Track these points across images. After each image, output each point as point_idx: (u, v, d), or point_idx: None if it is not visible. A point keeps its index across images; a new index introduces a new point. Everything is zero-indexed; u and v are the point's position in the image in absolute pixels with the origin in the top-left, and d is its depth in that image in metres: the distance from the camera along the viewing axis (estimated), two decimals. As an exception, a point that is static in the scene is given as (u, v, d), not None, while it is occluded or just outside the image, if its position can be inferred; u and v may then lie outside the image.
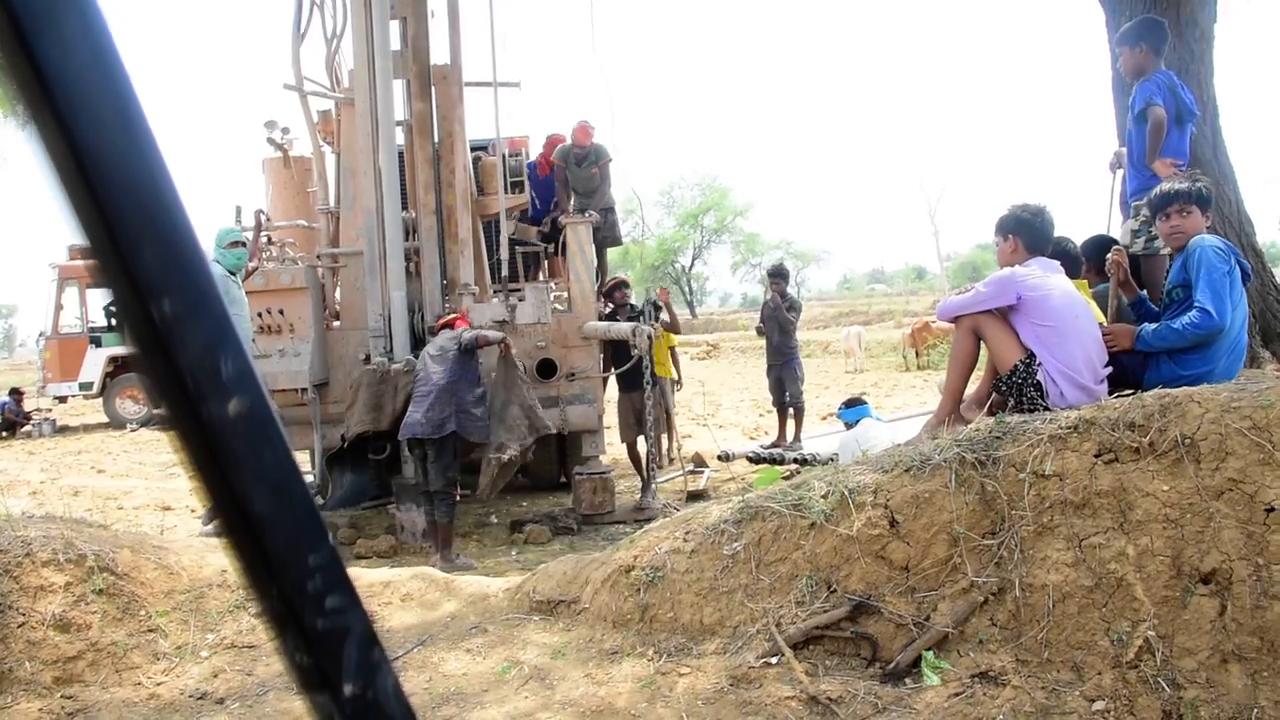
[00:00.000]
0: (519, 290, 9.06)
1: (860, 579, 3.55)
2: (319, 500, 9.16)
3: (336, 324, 8.87)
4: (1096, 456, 3.36)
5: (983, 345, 4.34)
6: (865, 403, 8.62)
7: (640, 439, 8.98)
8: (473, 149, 9.39)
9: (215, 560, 4.79)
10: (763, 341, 11.84)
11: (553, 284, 10.62)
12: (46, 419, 20.74)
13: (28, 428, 20.50)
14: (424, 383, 7.21)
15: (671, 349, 11.36)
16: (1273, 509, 3.02)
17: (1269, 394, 3.25)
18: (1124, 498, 3.25)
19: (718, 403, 19.65)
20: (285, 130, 9.52)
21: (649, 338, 8.42)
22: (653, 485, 9.00)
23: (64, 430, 20.70)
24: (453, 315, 7.48)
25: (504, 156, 9.38)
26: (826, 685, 3.30)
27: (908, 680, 3.27)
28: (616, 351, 9.01)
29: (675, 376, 11.52)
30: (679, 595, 3.92)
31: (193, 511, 10.01)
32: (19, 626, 4.14)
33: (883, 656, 3.41)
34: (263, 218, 8.59)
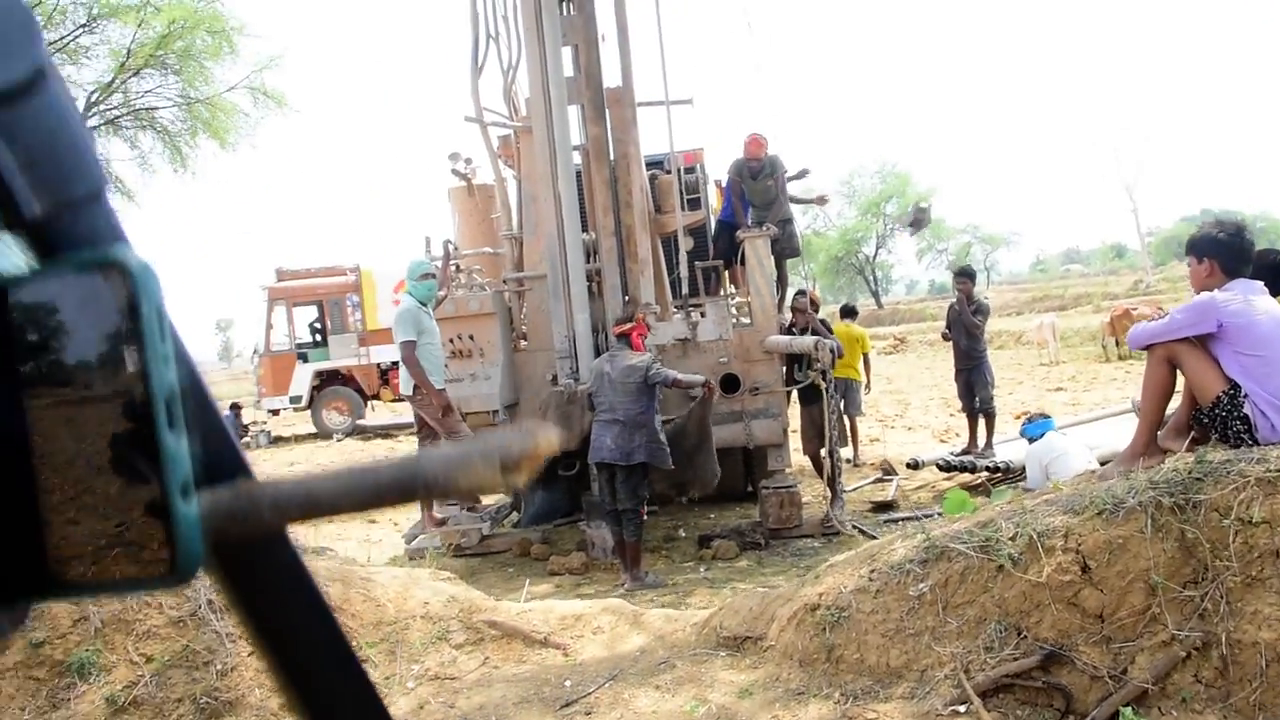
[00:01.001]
0: (700, 306, 9.15)
1: (1051, 626, 3.44)
2: (514, 517, 9.51)
3: (524, 345, 9.17)
4: (1311, 502, 3.16)
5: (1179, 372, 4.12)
6: (1049, 417, 8.31)
7: (823, 450, 8.90)
8: (648, 166, 9.52)
9: (418, 593, 5.06)
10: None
11: (734, 295, 10.65)
12: (263, 431, 22.26)
13: (246, 439, 22.05)
14: (608, 409, 7.34)
15: (865, 354, 11.23)
16: None
17: None
18: (1344, 547, 3.04)
19: (906, 402, 19.24)
20: (468, 160, 9.91)
21: (831, 351, 8.35)
22: (840, 498, 8.92)
23: (278, 441, 22.13)
24: (629, 325, 7.54)
25: (679, 172, 9.47)
26: (1017, 739, 3.22)
27: (1104, 737, 3.16)
28: (798, 364, 8.96)
29: (863, 379, 11.38)
30: (865, 636, 3.90)
31: (395, 525, 10.57)
32: (248, 655, 4.49)
33: (1076, 709, 3.30)
34: (450, 247, 8.97)
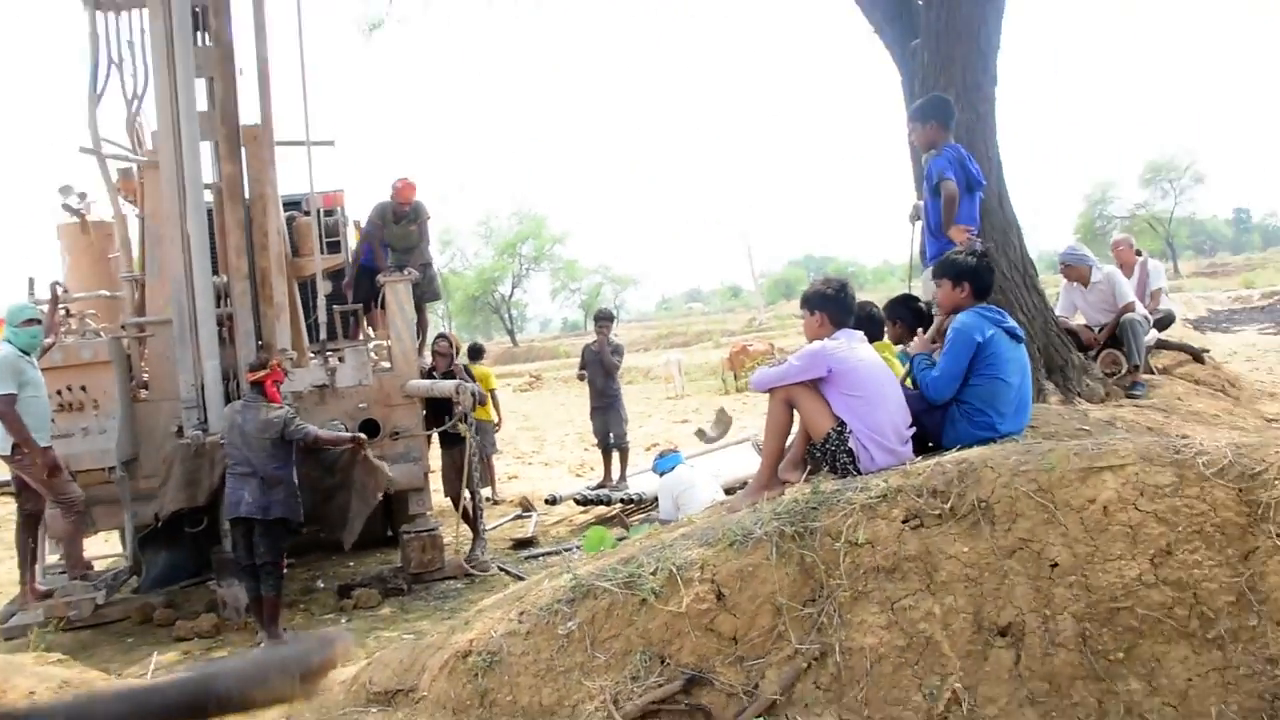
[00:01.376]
0: (339, 351, 8.93)
1: (691, 652, 3.70)
2: (134, 581, 8.76)
3: (145, 395, 8.51)
4: (904, 523, 3.63)
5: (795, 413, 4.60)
6: (677, 451, 8.91)
7: (466, 493, 8.98)
8: (285, 207, 9.20)
9: (21, 682, 4.55)
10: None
11: (374, 339, 10.49)
12: None
13: None
14: (241, 462, 7.02)
15: (491, 391, 11.41)
16: (1056, 564, 3.34)
17: (1051, 457, 3.58)
18: (929, 560, 3.52)
19: (542, 438, 19.72)
20: (82, 195, 9.10)
21: (473, 395, 8.45)
22: (481, 538, 9.00)
23: None
24: (263, 373, 7.23)
25: (319, 214, 9.23)
26: (666, 761, 3.43)
27: (741, 748, 3.44)
28: (437, 408, 8.99)
29: (495, 419, 11.56)
30: (517, 678, 3.97)
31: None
32: None
33: (717, 726, 3.56)
34: (59, 289, 8.16)
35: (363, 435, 7.85)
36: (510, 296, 59.79)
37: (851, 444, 4.35)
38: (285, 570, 7.46)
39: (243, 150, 8.39)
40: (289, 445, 7.12)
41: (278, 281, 8.41)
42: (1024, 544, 3.42)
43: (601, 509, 10.86)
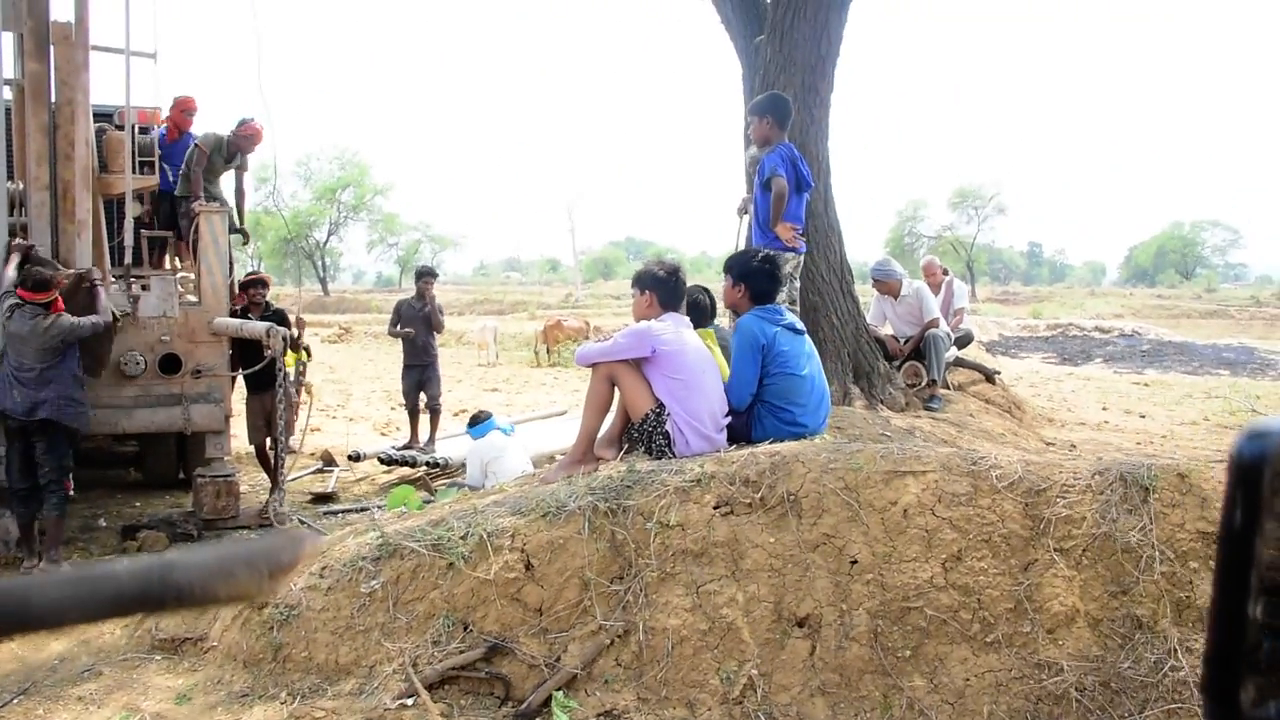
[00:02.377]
0: (144, 279, 8.41)
1: (496, 620, 3.69)
2: None
3: None
4: (715, 509, 3.72)
5: (616, 390, 4.63)
6: (490, 416, 8.85)
7: (269, 441, 8.64)
8: (97, 118, 8.57)
9: None
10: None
11: (181, 271, 9.93)
12: None
13: None
14: (22, 369, 6.58)
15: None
16: (856, 561, 3.49)
17: (859, 457, 3.74)
18: (737, 548, 3.62)
19: (349, 393, 19.17)
20: None
21: (284, 339, 8.14)
22: (281, 489, 8.69)
23: None
24: (52, 296, 6.77)
25: (133, 130, 8.65)
26: (460, 727, 3.41)
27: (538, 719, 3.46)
28: (246, 350, 8.60)
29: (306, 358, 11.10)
30: (314, 634, 3.87)
31: None
32: None
33: (515, 696, 3.57)
34: None
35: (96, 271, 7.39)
36: (325, 244, 57.80)
37: (669, 426, 4.42)
38: (71, 493, 7.04)
39: (51, 49, 7.75)
40: (69, 350, 6.78)
41: (82, 196, 7.82)
42: (827, 539, 3.56)
43: (406, 470, 10.66)
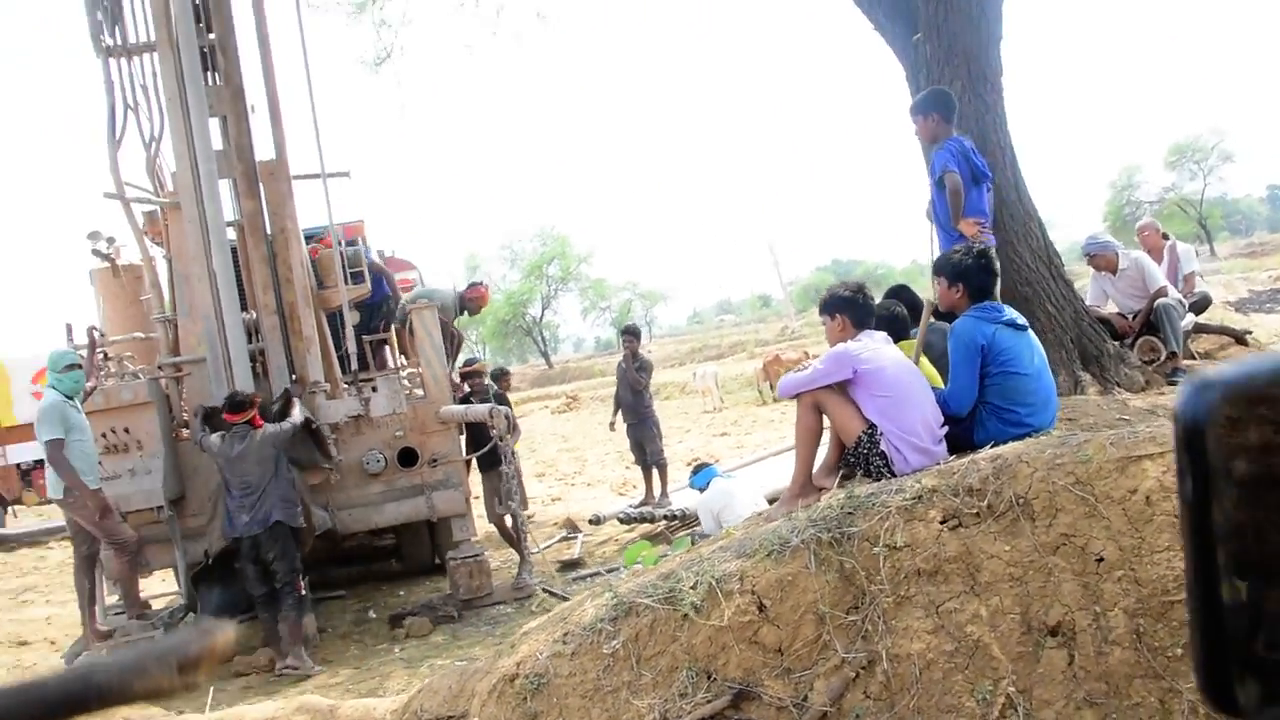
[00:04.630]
0: (371, 380, 8.98)
1: (737, 666, 3.66)
2: (191, 618, 8.84)
3: (186, 434, 8.61)
4: (942, 523, 3.57)
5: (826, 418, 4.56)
6: (710, 465, 8.87)
7: (508, 516, 8.98)
8: (307, 240, 9.29)
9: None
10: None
11: (405, 366, 10.55)
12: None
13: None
14: (235, 489, 7.31)
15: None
16: (1102, 559, 3.27)
17: (1087, 449, 3.52)
18: (971, 561, 3.46)
19: (584, 459, 19.71)
20: (110, 240, 9.25)
21: (506, 418, 8.47)
22: (528, 560, 9.00)
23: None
24: (252, 413, 7.51)
25: (340, 245, 9.32)
26: (717, 778, 3.39)
27: (792, 762, 3.39)
28: (475, 433, 9.02)
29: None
30: (565, 700, 3.95)
31: (52, 644, 9.48)
32: None
33: (767, 741, 3.52)
34: (96, 334, 8.30)
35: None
36: (541, 318, 59.95)
37: (884, 446, 4.30)
38: (304, 593, 7.61)
39: (260, 186, 8.48)
40: (279, 457, 7.36)
41: (305, 314, 8.48)
42: (1066, 539, 3.35)
43: (647, 526, 10.83)
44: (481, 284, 11.02)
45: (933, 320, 5.02)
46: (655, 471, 11.41)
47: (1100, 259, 8.31)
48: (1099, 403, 6.05)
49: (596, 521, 11.09)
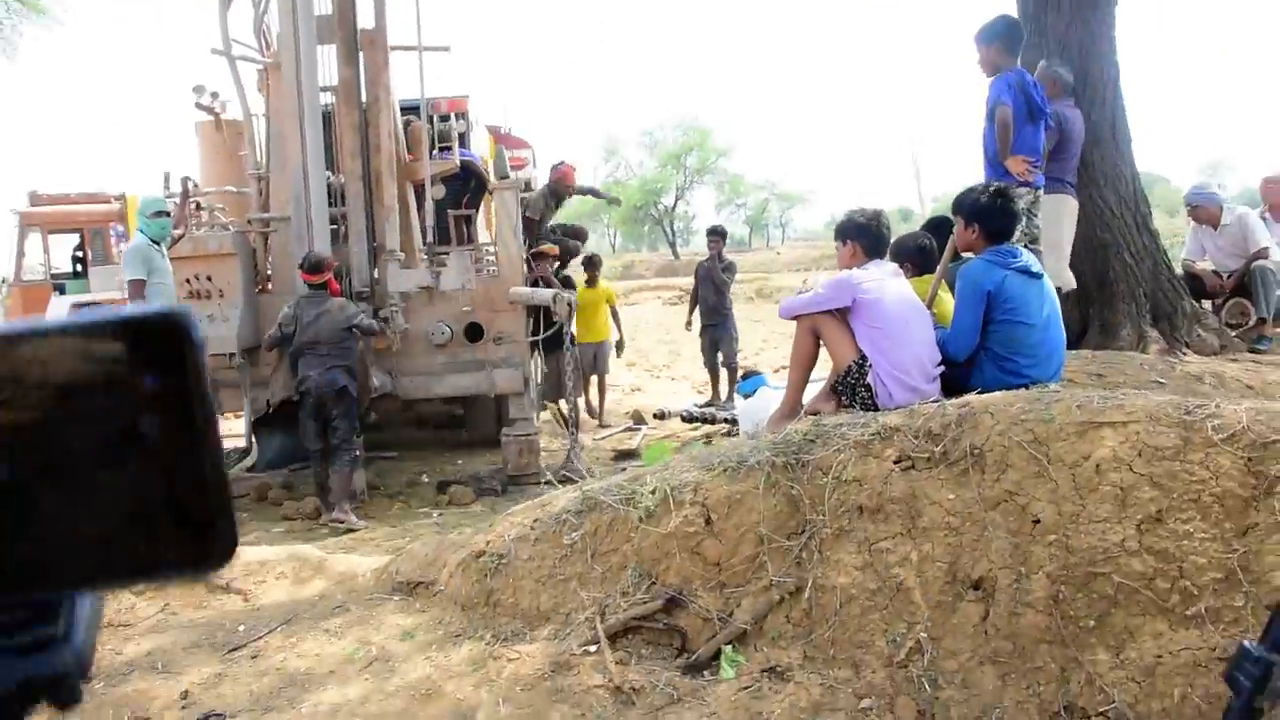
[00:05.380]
0: (444, 254, 9.16)
1: (676, 573, 3.73)
2: (249, 460, 9.34)
3: (269, 289, 8.97)
4: (896, 463, 3.53)
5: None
6: (759, 374, 8.80)
7: (562, 401, 9.15)
8: (404, 111, 9.41)
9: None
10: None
11: (490, 247, 10.71)
12: (9, 365, 20.81)
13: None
14: (308, 349, 7.57)
15: (612, 308, 11.48)
16: (1039, 521, 3.19)
17: (1054, 408, 3.40)
18: (914, 505, 3.42)
19: (678, 353, 19.75)
20: (215, 95, 9.53)
21: (569, 305, 8.56)
22: (575, 447, 9.18)
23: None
24: (326, 276, 7.76)
25: (433, 119, 9.41)
26: (633, 675, 3.49)
27: (707, 673, 3.47)
28: (541, 316, 9.15)
29: (617, 336, 11.65)
30: (520, 581, 4.10)
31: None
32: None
33: (690, 648, 3.60)
34: (190, 184, 8.64)
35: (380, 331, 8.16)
36: (674, 208, 59.62)
37: (871, 378, 4.23)
38: (358, 452, 7.95)
39: (360, 54, 8.59)
40: (352, 334, 7.63)
41: (389, 183, 8.64)
42: (1009, 496, 3.28)
43: (708, 427, 10.90)
44: (560, 163, 10.91)
45: (957, 260, 4.85)
46: (725, 374, 11.42)
47: (1202, 211, 7.83)
48: (1146, 361, 5.77)
49: (661, 416, 11.22)
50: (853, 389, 4.29)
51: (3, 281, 21.01)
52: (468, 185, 10.65)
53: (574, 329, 9.07)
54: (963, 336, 4.34)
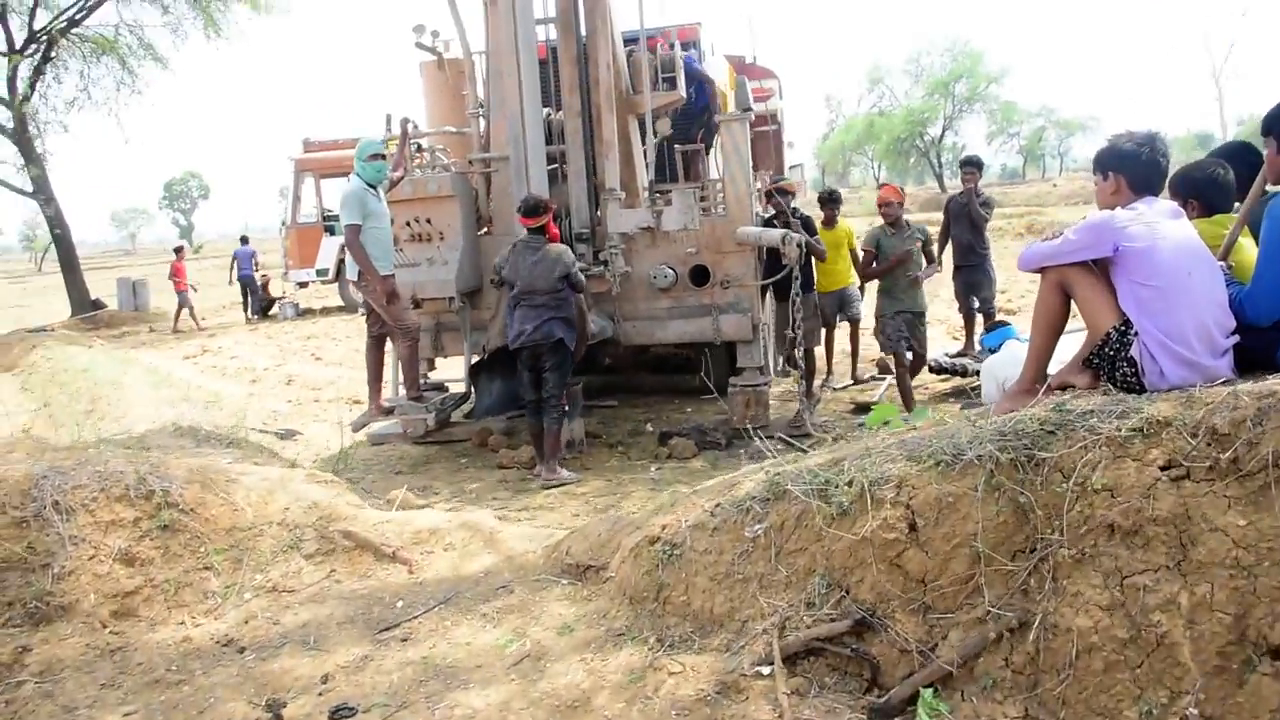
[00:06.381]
0: (667, 193, 8.60)
1: (871, 588, 3.04)
2: (467, 407, 9.23)
3: (490, 231, 8.73)
4: (1164, 470, 2.67)
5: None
6: (1008, 324, 7.71)
7: (795, 352, 8.44)
8: (627, 43, 8.86)
9: (280, 498, 4.78)
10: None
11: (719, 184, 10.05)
12: (290, 303, 22.27)
13: (273, 311, 22.17)
14: (525, 298, 7.23)
15: (853, 252, 10.50)
16: (1376, 566, 2.28)
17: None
18: (1186, 530, 2.56)
19: (935, 294, 18.44)
20: (435, 34, 9.32)
21: (800, 246, 7.83)
22: (805, 400, 8.49)
23: (305, 314, 22.10)
24: (544, 219, 7.32)
25: (655, 50, 8.82)
26: (809, 712, 2.86)
27: (899, 719, 2.78)
28: (772, 259, 8.42)
29: (856, 281, 10.71)
30: (694, 578, 3.53)
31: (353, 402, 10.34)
32: (89, 559, 4.26)
33: (882, 683, 2.92)
34: (409, 126, 8.46)
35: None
36: (940, 139, 56.50)
37: (1135, 350, 3.28)
38: (568, 407, 7.62)
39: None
40: (567, 284, 7.22)
41: (608, 118, 8.15)
42: (1332, 529, 2.37)
43: (958, 380, 9.90)
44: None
45: (1265, 197, 3.73)
46: (982, 320, 10.32)
47: None
48: None
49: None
50: (1111, 363, 3.37)
51: (282, 224, 22.41)
52: (699, 118, 10.02)
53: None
54: (1268, 295, 3.29)
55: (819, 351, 9.84)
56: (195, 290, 22.13)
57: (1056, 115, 62.27)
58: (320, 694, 3.43)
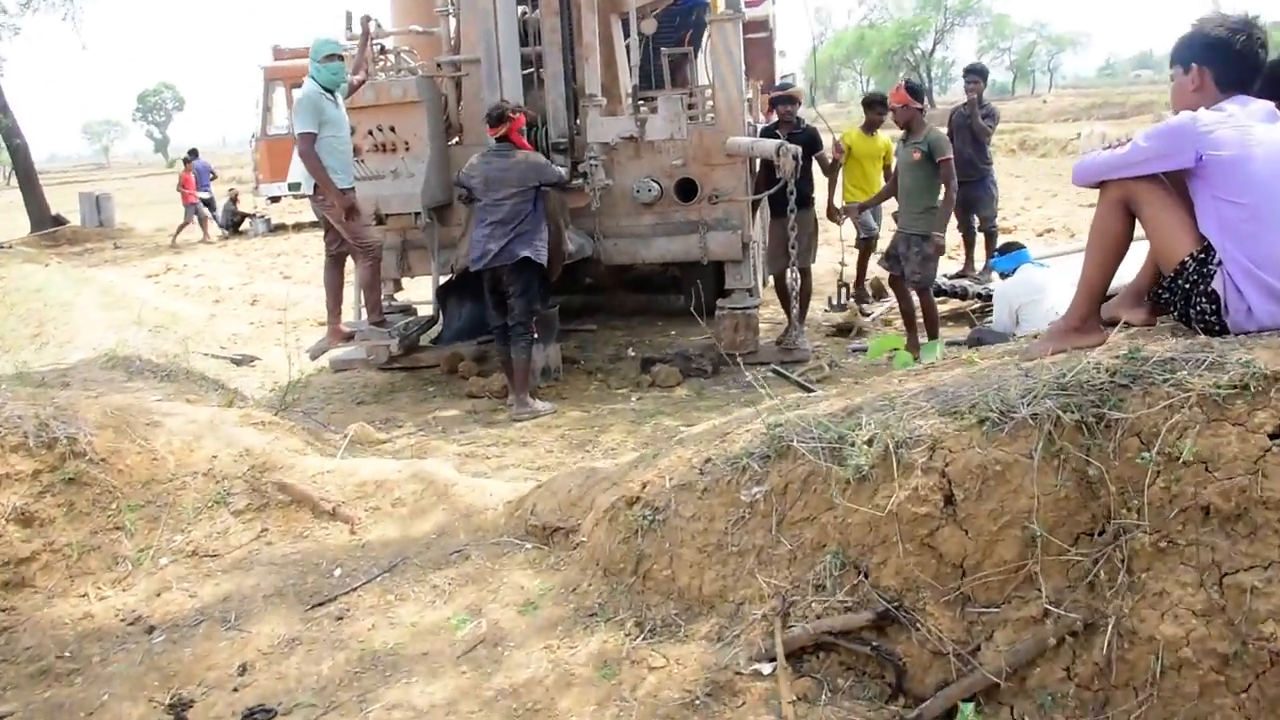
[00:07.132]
0: (651, 100, 7.92)
1: (896, 572, 2.50)
2: (435, 330, 8.62)
3: (459, 140, 8.04)
4: (1272, 439, 2.12)
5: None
6: (1022, 247, 7.15)
7: (788, 271, 7.85)
8: None
9: (208, 444, 4.20)
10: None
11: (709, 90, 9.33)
12: (262, 218, 21.48)
13: (244, 227, 21.38)
14: (488, 213, 6.63)
15: (888, 169, 9.75)
16: None
17: None
18: (1306, 513, 2.02)
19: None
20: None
21: (795, 158, 7.21)
22: (797, 324, 7.93)
23: (277, 230, 21.31)
24: (504, 127, 6.66)
25: None
26: (820, 725, 2.34)
27: (933, 740, 2.27)
28: (769, 171, 7.77)
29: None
30: (679, 548, 2.98)
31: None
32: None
33: (909, 690, 2.39)
34: (372, 25, 7.68)
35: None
36: (931, 53, 55.20)
37: (1218, 282, 2.69)
38: (539, 334, 7.12)
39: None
40: (537, 192, 6.63)
41: (587, 18, 7.42)
42: None
43: (956, 303, 9.36)
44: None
45: None
46: (982, 239, 9.75)
47: None
48: None
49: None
50: (1186, 297, 2.78)
51: (251, 136, 21.47)
52: (687, 18, 9.27)
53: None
54: None
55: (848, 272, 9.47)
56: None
57: (1048, 30, 61.18)
58: (235, 689, 2.89)
